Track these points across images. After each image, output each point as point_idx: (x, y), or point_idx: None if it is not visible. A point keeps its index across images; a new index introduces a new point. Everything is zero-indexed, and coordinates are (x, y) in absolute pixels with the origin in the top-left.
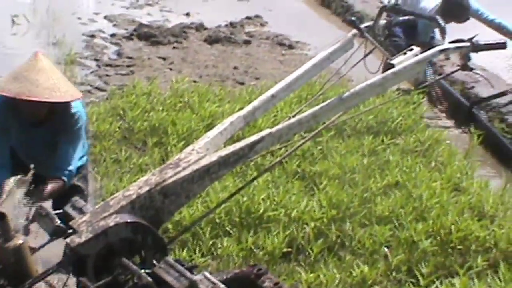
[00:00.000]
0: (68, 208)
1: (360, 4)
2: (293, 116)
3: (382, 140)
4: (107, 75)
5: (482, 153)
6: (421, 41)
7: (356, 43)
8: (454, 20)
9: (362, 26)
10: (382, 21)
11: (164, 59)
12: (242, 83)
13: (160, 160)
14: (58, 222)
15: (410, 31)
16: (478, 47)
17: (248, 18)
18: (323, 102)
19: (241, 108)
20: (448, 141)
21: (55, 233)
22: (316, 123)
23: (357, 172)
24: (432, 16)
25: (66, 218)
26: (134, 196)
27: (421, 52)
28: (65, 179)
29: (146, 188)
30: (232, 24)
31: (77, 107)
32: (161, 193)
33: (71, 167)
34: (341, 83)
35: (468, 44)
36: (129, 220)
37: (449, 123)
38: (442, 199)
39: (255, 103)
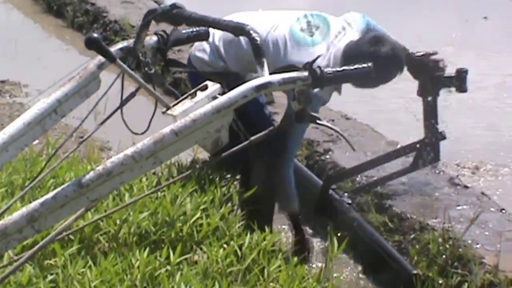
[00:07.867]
0: None
1: (119, 9)
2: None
3: (167, 257)
4: None
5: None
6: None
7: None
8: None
9: (115, 48)
10: (153, 38)
11: None
12: None
13: None
14: None
15: None
16: (327, 79)
17: None
18: (55, 189)
19: None
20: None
21: None
22: (30, 237)
23: None
24: (239, 25)
25: None
26: None
27: (223, 93)
28: None
29: None
30: None
31: None
32: None
33: None
34: (88, 154)
35: (305, 73)
36: None
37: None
38: None
39: None
